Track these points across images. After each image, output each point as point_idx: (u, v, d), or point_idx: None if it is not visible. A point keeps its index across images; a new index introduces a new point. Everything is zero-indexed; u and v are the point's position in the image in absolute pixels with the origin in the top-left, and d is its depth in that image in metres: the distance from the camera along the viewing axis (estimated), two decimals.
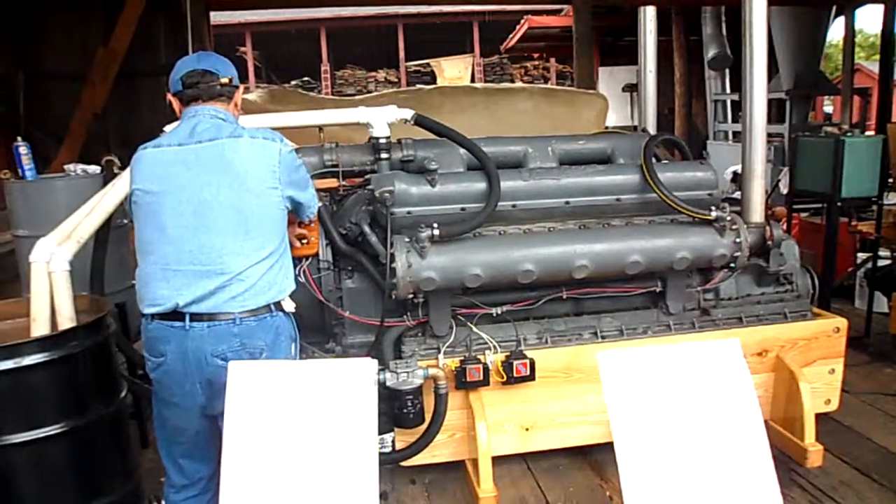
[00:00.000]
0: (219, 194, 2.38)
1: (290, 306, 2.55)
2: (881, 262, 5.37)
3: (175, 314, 2.39)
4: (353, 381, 2.28)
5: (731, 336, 3.44)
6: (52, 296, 3.08)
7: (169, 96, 2.58)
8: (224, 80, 2.54)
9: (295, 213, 2.74)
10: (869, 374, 4.61)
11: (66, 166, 4.41)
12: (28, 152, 4.11)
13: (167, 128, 2.86)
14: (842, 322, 3.77)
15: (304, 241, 3.24)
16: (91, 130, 6.77)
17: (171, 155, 2.43)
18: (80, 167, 4.30)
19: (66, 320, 3.07)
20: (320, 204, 3.04)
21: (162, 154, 2.45)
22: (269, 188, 2.45)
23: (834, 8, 9.82)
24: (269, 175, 2.44)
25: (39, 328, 3.05)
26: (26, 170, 4.06)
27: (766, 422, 3.21)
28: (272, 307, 2.47)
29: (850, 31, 9.85)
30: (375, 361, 2.41)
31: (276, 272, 2.48)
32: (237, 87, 2.63)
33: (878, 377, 4.59)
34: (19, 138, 4.21)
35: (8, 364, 2.72)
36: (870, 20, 34.35)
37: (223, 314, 2.38)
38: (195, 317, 2.38)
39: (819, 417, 3.60)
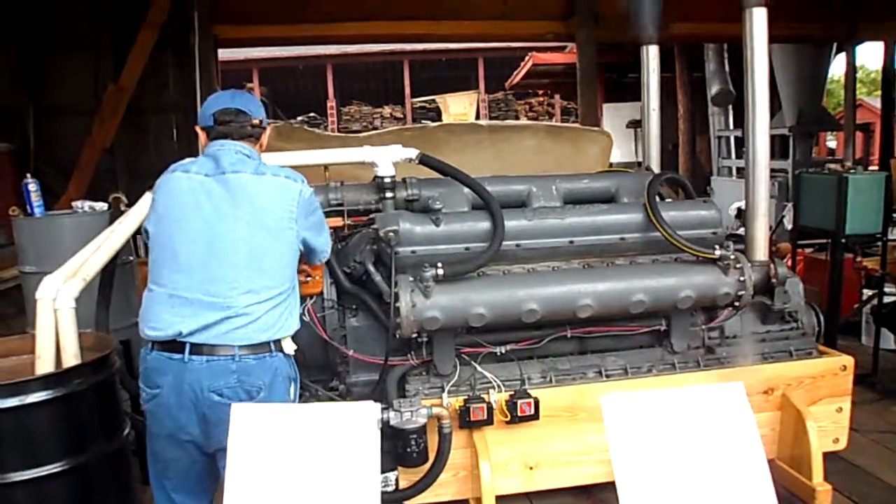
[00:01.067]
0: (235, 228, 2.41)
1: (290, 348, 2.55)
2: (887, 299, 5.35)
3: (175, 344, 2.39)
4: (356, 424, 2.27)
5: (736, 374, 3.45)
6: (57, 333, 3.09)
7: (197, 128, 2.63)
8: (255, 122, 2.59)
9: (306, 257, 2.75)
10: (877, 413, 4.57)
11: (73, 203, 4.45)
12: (37, 189, 4.15)
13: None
14: (848, 360, 3.74)
15: (308, 278, 3.25)
16: (100, 166, 6.84)
17: (195, 183, 2.46)
18: (87, 204, 4.33)
19: (71, 357, 3.08)
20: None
21: (188, 181, 2.48)
22: (287, 228, 2.48)
23: (835, 45, 9.92)
24: (287, 214, 2.48)
25: (44, 366, 3.06)
26: (35, 206, 4.10)
27: (773, 461, 3.19)
28: (272, 346, 2.46)
29: (852, 68, 9.94)
30: (378, 405, 2.40)
31: (281, 311, 2.49)
32: (265, 129, 2.67)
33: (886, 415, 4.55)
34: (29, 175, 4.25)
35: (12, 402, 2.73)
36: (871, 56, 34.65)
37: (222, 348, 2.38)
38: (195, 349, 2.38)
39: (827, 456, 3.56)
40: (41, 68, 7.43)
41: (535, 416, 3.29)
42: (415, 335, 3.26)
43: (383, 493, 2.81)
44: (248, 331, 2.40)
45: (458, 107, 18.80)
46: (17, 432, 2.79)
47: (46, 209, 4.25)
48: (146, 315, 2.46)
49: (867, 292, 5.81)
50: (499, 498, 3.27)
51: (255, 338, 2.41)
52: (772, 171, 3.98)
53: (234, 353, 2.38)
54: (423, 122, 15.72)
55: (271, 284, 2.45)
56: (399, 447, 3.15)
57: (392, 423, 3.07)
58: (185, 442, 2.50)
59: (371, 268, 3.39)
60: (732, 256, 3.48)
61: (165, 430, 2.51)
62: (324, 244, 2.77)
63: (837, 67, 11.45)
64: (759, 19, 3.61)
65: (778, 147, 9.91)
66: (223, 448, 2.38)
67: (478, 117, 18.19)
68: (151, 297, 2.46)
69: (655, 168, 4.44)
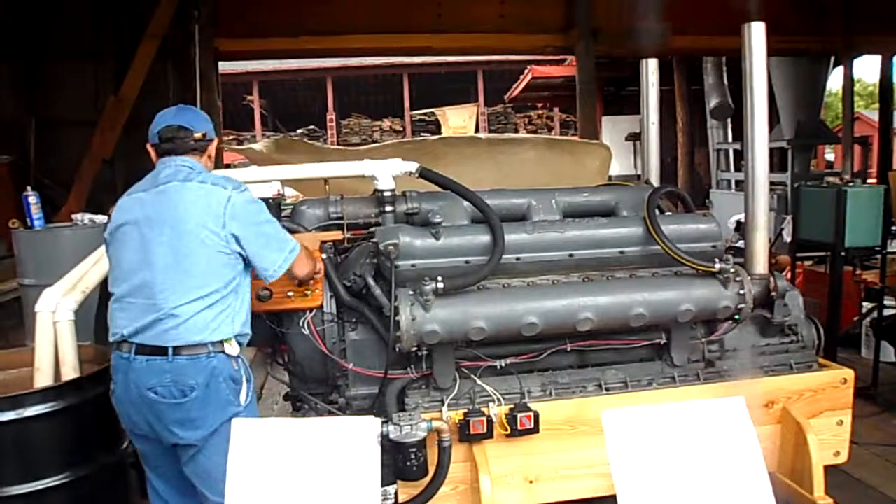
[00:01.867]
0: (161, 234, 2.52)
1: (233, 350, 2.60)
2: (887, 312, 5.35)
3: (125, 344, 2.54)
4: (356, 438, 2.27)
5: (736, 387, 3.44)
6: (56, 345, 3.10)
7: (148, 146, 2.74)
8: (197, 136, 2.70)
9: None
10: (878, 426, 4.57)
11: (73, 215, 4.46)
12: (37, 202, 4.16)
13: None
14: (849, 373, 3.74)
15: (308, 292, 3.25)
16: (99, 178, 6.85)
17: (133, 201, 2.62)
18: (87, 216, 4.35)
19: (70, 370, 3.09)
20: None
21: (129, 200, 2.64)
22: (210, 232, 2.53)
23: (832, 58, 9.97)
24: (212, 220, 2.53)
25: (43, 378, 3.06)
26: (35, 219, 4.12)
27: (773, 474, 3.18)
28: (209, 347, 2.54)
29: (849, 81, 9.97)
30: (379, 420, 2.40)
31: (216, 313, 2.55)
32: (211, 141, 2.78)
33: (887, 428, 4.55)
34: (29, 188, 4.26)
35: (10, 415, 2.74)
36: (868, 70, 34.83)
37: (159, 348, 2.49)
38: (139, 349, 2.51)
39: (828, 470, 3.55)
40: (42, 79, 7.47)
41: (535, 430, 3.27)
42: (414, 349, 3.25)
43: None
44: (180, 332, 2.49)
45: (458, 120, 18.86)
46: (16, 445, 2.80)
47: (46, 221, 4.26)
48: (109, 319, 2.64)
49: (867, 305, 5.82)
50: None
51: (188, 338, 2.50)
52: (771, 183, 3.99)
53: (167, 354, 2.48)
54: (422, 135, 15.76)
55: (198, 285, 2.52)
56: (398, 461, 3.14)
57: (391, 436, 3.06)
58: (142, 436, 2.63)
59: (371, 281, 3.39)
60: (732, 270, 3.47)
61: (126, 425, 2.68)
62: (267, 261, 2.69)
63: (835, 81, 11.50)
64: (757, 33, 3.63)
65: (777, 160, 9.96)
66: (181, 444, 2.55)
67: (477, 130, 18.26)
68: (111, 303, 2.64)
69: (655, 181, 4.44)
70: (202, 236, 2.51)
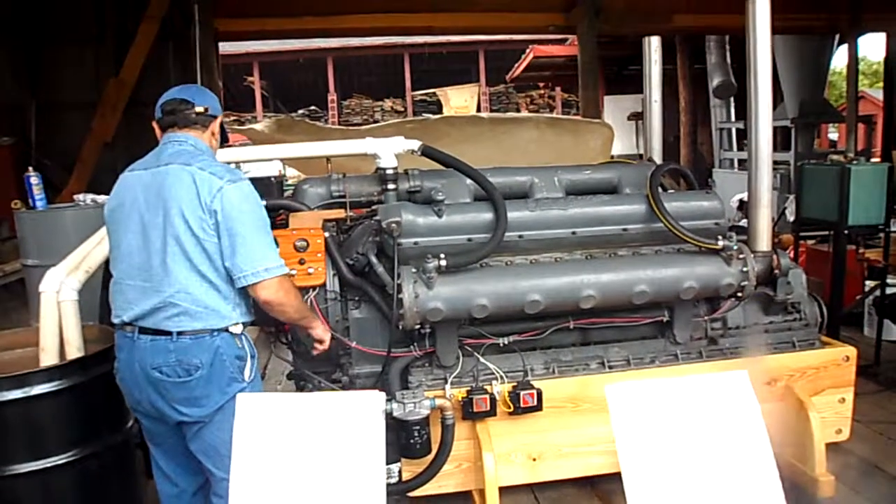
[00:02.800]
0: (156, 217, 2.49)
1: (237, 328, 2.58)
2: (889, 290, 5.35)
3: (128, 324, 2.53)
4: (362, 413, 2.28)
5: (738, 365, 3.45)
6: (60, 325, 3.10)
7: (153, 123, 2.72)
8: (199, 109, 2.67)
9: None
10: (880, 403, 4.57)
11: (75, 196, 4.45)
12: (39, 182, 4.16)
13: None
14: (851, 351, 3.75)
15: (311, 270, 3.25)
16: (100, 160, 6.84)
17: (135, 178, 2.59)
18: (89, 197, 4.34)
19: (75, 350, 3.09)
20: (288, 271, 2.65)
21: (131, 177, 2.61)
22: (199, 220, 2.47)
23: (837, 36, 9.90)
24: (200, 208, 2.47)
25: (48, 358, 3.07)
26: (37, 200, 4.11)
27: (775, 452, 3.19)
28: (213, 328, 2.53)
29: (854, 59, 9.90)
30: (383, 394, 2.41)
31: (217, 298, 2.52)
32: (214, 117, 2.73)
33: (889, 406, 4.55)
34: (31, 168, 4.26)
35: (16, 394, 2.75)
36: (873, 48, 34.51)
37: (162, 331, 2.48)
38: (143, 329, 2.50)
39: (830, 447, 3.56)
40: (42, 62, 7.45)
41: (539, 407, 3.29)
42: (418, 326, 3.26)
43: (387, 484, 2.82)
44: (182, 319, 2.48)
45: (459, 100, 18.78)
46: (22, 424, 2.82)
47: (48, 202, 4.25)
48: (111, 303, 2.63)
49: (869, 283, 5.81)
50: (502, 489, 3.28)
51: (189, 326, 2.48)
52: (774, 163, 3.97)
53: (171, 335, 2.47)
54: (424, 115, 15.70)
55: (196, 272, 2.49)
56: (402, 438, 3.16)
57: (395, 414, 3.07)
58: (146, 414, 2.62)
59: (374, 259, 3.39)
60: (735, 247, 3.47)
61: (130, 403, 2.68)
62: (237, 263, 2.47)
63: (839, 59, 11.46)
64: (761, 11, 3.60)
65: (780, 139, 9.91)
66: (187, 422, 2.54)
67: (479, 110, 18.18)
68: (111, 286, 2.63)
69: (657, 160, 4.43)
70: (192, 223, 2.46)
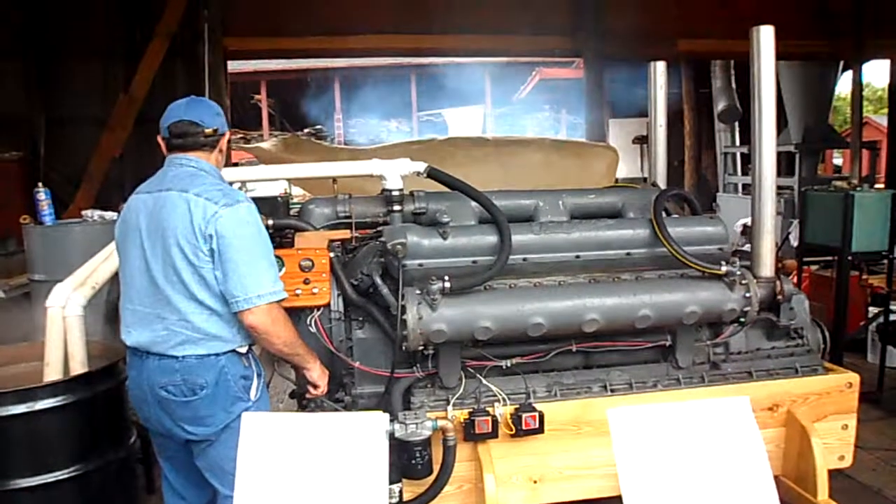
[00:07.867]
0: (156, 246, 2.50)
1: (242, 348, 2.60)
2: (893, 317, 5.35)
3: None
4: (365, 434, 2.29)
5: (741, 390, 3.45)
6: (65, 341, 3.12)
7: (159, 138, 2.70)
8: (208, 132, 2.65)
9: None
10: (882, 430, 4.57)
11: (83, 212, 4.49)
12: (47, 198, 4.19)
13: None
14: (854, 377, 3.73)
15: (315, 290, 3.27)
16: (109, 175, 6.89)
17: (140, 202, 2.60)
18: (97, 213, 4.37)
19: (79, 365, 3.11)
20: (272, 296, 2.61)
21: (137, 200, 2.63)
22: (195, 247, 2.46)
23: (841, 62, 9.95)
24: (197, 235, 2.46)
25: (52, 373, 3.08)
26: (45, 215, 4.14)
27: (777, 477, 3.18)
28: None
29: (858, 86, 9.95)
30: (387, 415, 2.41)
31: (219, 324, 2.53)
32: (222, 135, 2.73)
33: (891, 433, 4.55)
34: (39, 184, 4.29)
35: (20, 408, 2.76)
36: (877, 74, 34.61)
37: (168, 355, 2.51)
38: (150, 351, 2.54)
39: (832, 474, 3.55)
40: (52, 77, 7.51)
41: (540, 430, 3.28)
42: (421, 347, 3.27)
43: None
44: (187, 347, 2.50)
45: (465, 121, 18.86)
46: (26, 439, 2.83)
47: (56, 218, 4.28)
48: (121, 318, 2.67)
49: (873, 310, 5.81)
50: None
51: (193, 352, 2.50)
52: (778, 188, 3.99)
53: (178, 356, 2.50)
54: (429, 135, 15.77)
55: (195, 297, 2.50)
56: (404, 459, 3.15)
57: (397, 435, 3.07)
58: (156, 430, 2.65)
59: (378, 280, 3.40)
60: (738, 272, 3.47)
61: (141, 419, 2.71)
62: (232, 287, 2.47)
63: (844, 85, 11.50)
64: (766, 37, 3.63)
65: (784, 164, 9.93)
66: (195, 440, 2.56)
67: (484, 131, 18.25)
68: (120, 309, 2.67)
69: (662, 184, 4.45)
70: (187, 252, 2.46)
